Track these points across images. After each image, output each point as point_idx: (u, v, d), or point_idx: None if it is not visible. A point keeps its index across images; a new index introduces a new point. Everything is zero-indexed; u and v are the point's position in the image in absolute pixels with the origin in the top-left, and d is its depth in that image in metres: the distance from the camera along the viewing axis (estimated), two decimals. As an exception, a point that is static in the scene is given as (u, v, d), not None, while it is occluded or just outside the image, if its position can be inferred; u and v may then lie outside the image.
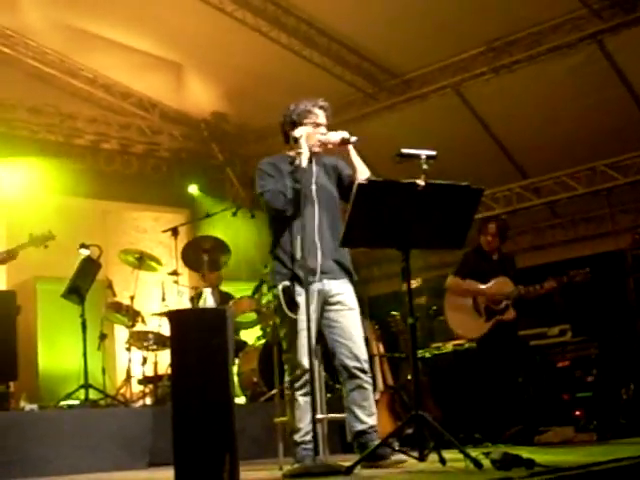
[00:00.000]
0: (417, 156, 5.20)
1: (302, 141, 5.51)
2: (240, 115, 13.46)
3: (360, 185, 4.91)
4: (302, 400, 5.44)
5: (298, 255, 5.44)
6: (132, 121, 13.36)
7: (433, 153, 5.22)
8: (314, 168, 5.69)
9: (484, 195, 5.73)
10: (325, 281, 5.59)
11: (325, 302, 5.62)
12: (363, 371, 5.60)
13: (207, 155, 14.07)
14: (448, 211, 5.09)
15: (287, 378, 5.62)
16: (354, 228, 5.01)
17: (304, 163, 5.45)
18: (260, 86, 11.93)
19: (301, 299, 5.44)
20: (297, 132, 5.57)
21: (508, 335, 7.95)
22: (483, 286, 7.97)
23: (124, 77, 12.94)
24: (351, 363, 5.59)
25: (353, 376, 5.59)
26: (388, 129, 11.61)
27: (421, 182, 4.96)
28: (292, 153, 5.67)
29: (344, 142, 5.61)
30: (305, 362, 5.38)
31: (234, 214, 10.42)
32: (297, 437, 5.54)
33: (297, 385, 5.49)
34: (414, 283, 9.75)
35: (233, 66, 11.87)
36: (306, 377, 5.44)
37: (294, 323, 5.45)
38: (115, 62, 12.43)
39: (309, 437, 5.27)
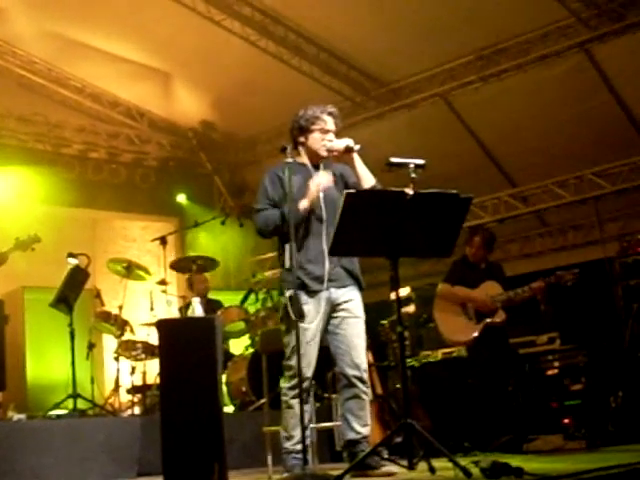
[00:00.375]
0: (406, 165, 5.22)
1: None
2: (228, 124, 13.47)
3: (348, 194, 4.91)
4: (298, 408, 5.43)
5: (305, 263, 5.45)
6: (120, 130, 13.36)
7: (422, 162, 5.23)
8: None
9: (472, 203, 5.74)
10: (332, 289, 5.59)
11: (332, 309, 5.62)
12: (362, 381, 5.60)
13: (195, 164, 14.07)
14: (437, 219, 5.10)
15: (284, 384, 5.61)
16: (343, 237, 5.01)
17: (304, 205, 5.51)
18: (248, 95, 11.94)
19: (307, 308, 5.45)
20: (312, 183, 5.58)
21: (498, 340, 7.95)
22: (471, 291, 7.98)
23: (112, 86, 12.94)
24: (351, 372, 5.59)
25: (351, 385, 5.59)
26: (376, 138, 11.58)
27: (409, 191, 4.96)
28: (299, 160, 5.65)
29: (348, 150, 5.60)
30: (307, 371, 5.41)
31: (222, 223, 10.42)
32: (289, 445, 5.54)
33: (295, 392, 5.46)
34: (403, 292, 9.83)
35: (221, 75, 11.88)
36: (305, 385, 5.45)
37: (300, 332, 5.45)
38: (103, 71, 12.43)
39: (300, 446, 5.25)
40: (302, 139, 5.75)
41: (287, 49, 11.35)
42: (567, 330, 9.01)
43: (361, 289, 5.76)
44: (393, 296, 5.32)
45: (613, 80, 10.48)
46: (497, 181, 12.12)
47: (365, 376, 5.63)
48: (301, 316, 5.34)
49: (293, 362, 5.50)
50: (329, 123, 5.75)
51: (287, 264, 5.44)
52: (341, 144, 5.62)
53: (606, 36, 10.08)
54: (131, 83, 12.69)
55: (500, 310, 7.84)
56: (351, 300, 5.66)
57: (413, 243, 5.18)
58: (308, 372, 5.51)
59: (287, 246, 5.37)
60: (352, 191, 4.98)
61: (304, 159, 5.72)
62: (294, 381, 5.49)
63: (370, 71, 11.78)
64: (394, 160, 5.32)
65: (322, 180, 5.59)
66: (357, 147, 5.59)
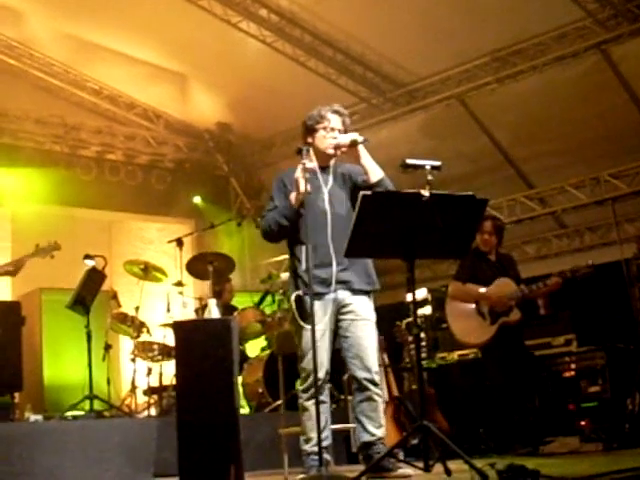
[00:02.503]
0: (422, 166, 5.20)
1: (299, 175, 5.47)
2: (245, 126, 13.49)
3: (364, 196, 4.90)
4: (314, 410, 5.43)
5: (307, 266, 5.44)
6: (137, 132, 13.40)
7: (437, 163, 5.21)
8: (329, 177, 5.72)
9: (488, 205, 5.73)
10: (339, 291, 5.58)
11: (338, 312, 5.61)
12: (373, 383, 5.59)
13: (211, 165, 14.10)
14: (452, 221, 5.08)
15: (300, 387, 5.62)
16: (359, 238, 5.00)
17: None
18: (264, 96, 11.96)
19: (313, 309, 5.46)
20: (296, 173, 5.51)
21: (513, 340, 7.85)
22: (485, 289, 7.84)
23: (129, 88, 12.99)
24: (362, 374, 5.58)
25: (363, 387, 5.59)
26: (392, 139, 11.60)
27: (425, 192, 4.95)
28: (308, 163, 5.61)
29: (353, 144, 5.58)
30: (318, 371, 5.41)
31: (239, 224, 10.43)
32: (308, 447, 5.55)
33: (309, 394, 5.47)
34: (420, 293, 9.81)
35: (238, 77, 11.89)
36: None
37: (307, 333, 5.46)
38: (120, 73, 12.48)
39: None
40: (310, 140, 5.75)
41: (303, 51, 11.36)
42: (584, 332, 8.99)
43: (372, 290, 5.73)
44: (409, 298, 5.31)
45: (630, 81, 10.45)
46: (513, 182, 12.09)
47: (376, 378, 5.61)
48: (306, 318, 5.36)
49: (303, 364, 5.54)
50: (334, 121, 5.72)
51: (297, 267, 5.46)
52: (346, 139, 5.61)
53: (623, 37, 10.06)
54: (148, 85, 12.73)
55: (515, 309, 7.73)
56: (358, 302, 5.63)
57: (429, 245, 5.17)
58: (320, 373, 5.50)
59: (296, 249, 5.38)
60: (368, 193, 4.96)
61: (313, 162, 5.69)
62: (306, 383, 5.52)
63: (386, 73, 11.77)
64: (410, 161, 5.31)
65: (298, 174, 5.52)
66: (361, 139, 5.56)
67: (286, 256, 12.45)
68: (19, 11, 10.98)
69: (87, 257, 8.92)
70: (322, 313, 5.53)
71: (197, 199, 13.84)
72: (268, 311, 10.39)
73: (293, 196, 5.54)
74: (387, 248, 5.20)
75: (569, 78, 10.60)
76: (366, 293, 5.69)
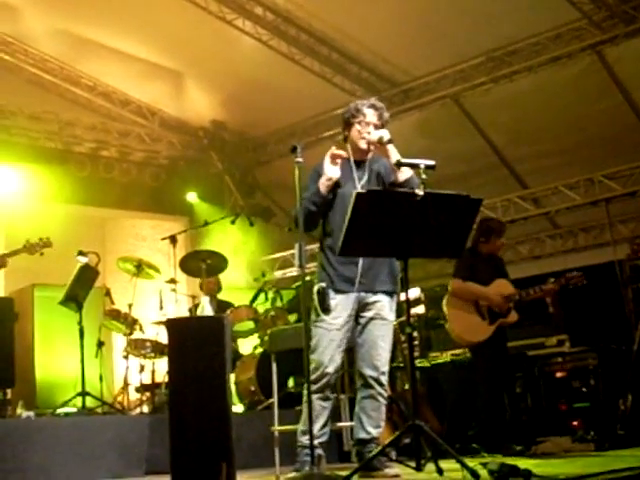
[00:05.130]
0: (416, 165, 5.20)
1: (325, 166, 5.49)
2: (239, 123, 13.48)
3: (358, 194, 4.89)
4: (318, 404, 5.42)
5: (300, 263, 5.42)
6: (131, 129, 13.37)
7: (432, 163, 5.21)
8: (364, 173, 5.73)
9: (482, 204, 5.73)
10: (363, 291, 5.60)
11: (360, 309, 5.62)
12: (379, 382, 5.61)
13: (206, 163, 14.07)
14: (447, 220, 5.08)
15: (310, 378, 5.59)
16: (353, 237, 5.00)
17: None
18: (259, 94, 11.94)
19: (334, 303, 5.47)
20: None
21: (501, 340, 7.89)
22: (486, 289, 7.87)
23: (124, 85, 12.96)
24: (368, 372, 5.60)
25: (368, 385, 5.62)
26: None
27: (420, 192, 4.95)
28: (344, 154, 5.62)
29: (380, 142, 5.59)
30: (328, 365, 5.42)
31: (233, 222, 10.42)
32: (304, 439, 5.51)
33: (315, 387, 5.46)
34: (413, 293, 9.80)
35: (233, 74, 11.88)
36: (326, 380, 5.46)
37: (324, 325, 5.45)
38: (115, 70, 12.45)
39: (316, 442, 5.23)
40: (346, 133, 5.78)
41: (299, 49, 11.35)
42: (577, 332, 9.01)
43: (395, 292, 5.74)
44: (403, 297, 5.31)
45: (625, 82, 10.47)
46: (507, 182, 12.11)
47: (383, 379, 5.63)
48: (327, 310, 5.37)
49: (314, 356, 5.52)
50: (369, 115, 5.73)
51: (297, 263, 5.45)
52: (375, 136, 5.62)
53: (618, 38, 10.06)
54: (142, 82, 12.70)
55: (513, 310, 7.78)
56: (380, 301, 5.65)
57: (423, 244, 5.17)
58: (330, 367, 5.51)
59: (296, 245, 5.37)
60: (362, 191, 4.96)
61: (350, 154, 5.69)
62: (314, 375, 5.50)
63: (381, 72, 11.77)
64: (404, 161, 5.33)
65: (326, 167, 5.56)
66: (387, 138, 5.56)
67: (282, 254, 12.43)
68: (14, 6, 10.94)
69: (80, 253, 8.89)
70: (342, 309, 5.55)
71: (191, 196, 13.84)
72: (261, 309, 10.40)
73: (321, 181, 5.54)
74: (381, 247, 5.19)
75: (564, 79, 10.60)
76: (389, 294, 5.70)
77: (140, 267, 9.67)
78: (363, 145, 5.69)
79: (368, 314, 5.63)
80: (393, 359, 9.03)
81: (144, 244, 13.78)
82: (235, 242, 12.14)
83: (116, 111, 13.23)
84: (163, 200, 13.77)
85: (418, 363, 9.50)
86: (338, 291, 5.55)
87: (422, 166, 5.16)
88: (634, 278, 9.53)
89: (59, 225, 10.93)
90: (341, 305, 5.55)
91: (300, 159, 5.30)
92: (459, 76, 11.33)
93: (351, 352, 5.82)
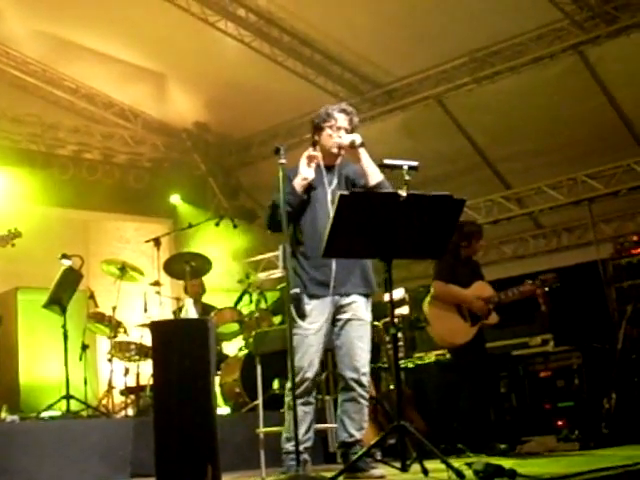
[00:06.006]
0: (399, 167, 5.21)
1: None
2: (222, 125, 13.46)
3: (342, 196, 4.90)
4: (300, 409, 5.41)
5: (285, 265, 5.42)
6: (114, 131, 13.34)
7: (415, 164, 5.22)
8: (334, 178, 5.72)
9: (466, 205, 5.74)
10: (337, 294, 5.59)
11: (336, 312, 5.62)
12: (360, 384, 5.59)
13: (189, 165, 14.04)
14: (430, 221, 5.09)
15: (287, 384, 5.57)
16: (336, 238, 5.00)
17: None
18: (243, 96, 11.93)
19: (308, 308, 5.47)
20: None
21: (481, 341, 7.93)
22: (467, 292, 7.90)
23: (106, 87, 12.92)
24: (349, 374, 5.59)
25: (349, 388, 5.61)
26: (370, 139, 11.57)
27: (403, 193, 4.96)
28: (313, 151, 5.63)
29: (352, 146, 5.59)
30: (307, 370, 5.41)
31: (217, 224, 10.41)
32: (289, 445, 5.49)
33: (296, 393, 5.42)
34: (397, 293, 9.82)
35: (215, 76, 11.86)
36: (306, 385, 5.46)
37: (300, 331, 5.45)
38: (98, 72, 12.42)
39: (301, 447, 5.23)
40: (316, 137, 5.76)
41: (281, 51, 11.34)
42: (561, 332, 9.03)
43: (370, 293, 5.73)
44: (387, 298, 5.31)
45: (607, 82, 10.50)
46: (491, 183, 12.12)
47: (364, 380, 5.62)
48: (303, 315, 5.36)
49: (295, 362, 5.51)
50: (340, 120, 5.73)
51: (280, 265, 5.46)
52: (346, 140, 5.62)
53: (600, 38, 10.08)
54: (125, 84, 12.67)
55: (493, 312, 7.83)
56: (356, 302, 5.64)
57: (407, 245, 5.18)
58: (309, 372, 5.51)
59: (280, 247, 5.37)
60: (345, 193, 4.97)
61: (319, 159, 5.69)
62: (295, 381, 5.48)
63: (364, 73, 11.77)
64: (387, 162, 5.33)
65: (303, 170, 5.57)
66: (359, 142, 5.56)
67: (264, 256, 12.40)
68: (-5, 9, 10.91)
69: (64, 256, 8.87)
70: (318, 313, 5.55)
71: (175, 199, 13.81)
72: (245, 311, 10.39)
73: (296, 181, 5.54)
74: (365, 248, 5.20)
75: (546, 79, 10.62)
76: (364, 295, 5.71)
77: (124, 270, 9.65)
78: (334, 149, 5.68)
79: (344, 316, 5.62)
80: (377, 359, 9.08)
81: (128, 247, 13.75)
82: (219, 244, 12.12)
83: (99, 113, 13.19)
84: (147, 202, 13.73)
85: (403, 364, 9.52)
86: (312, 296, 5.54)
87: (405, 167, 5.18)
88: (617, 277, 9.57)
89: (42, 228, 10.91)
90: (316, 310, 5.54)
91: (283, 160, 5.30)
92: (442, 77, 11.34)
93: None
